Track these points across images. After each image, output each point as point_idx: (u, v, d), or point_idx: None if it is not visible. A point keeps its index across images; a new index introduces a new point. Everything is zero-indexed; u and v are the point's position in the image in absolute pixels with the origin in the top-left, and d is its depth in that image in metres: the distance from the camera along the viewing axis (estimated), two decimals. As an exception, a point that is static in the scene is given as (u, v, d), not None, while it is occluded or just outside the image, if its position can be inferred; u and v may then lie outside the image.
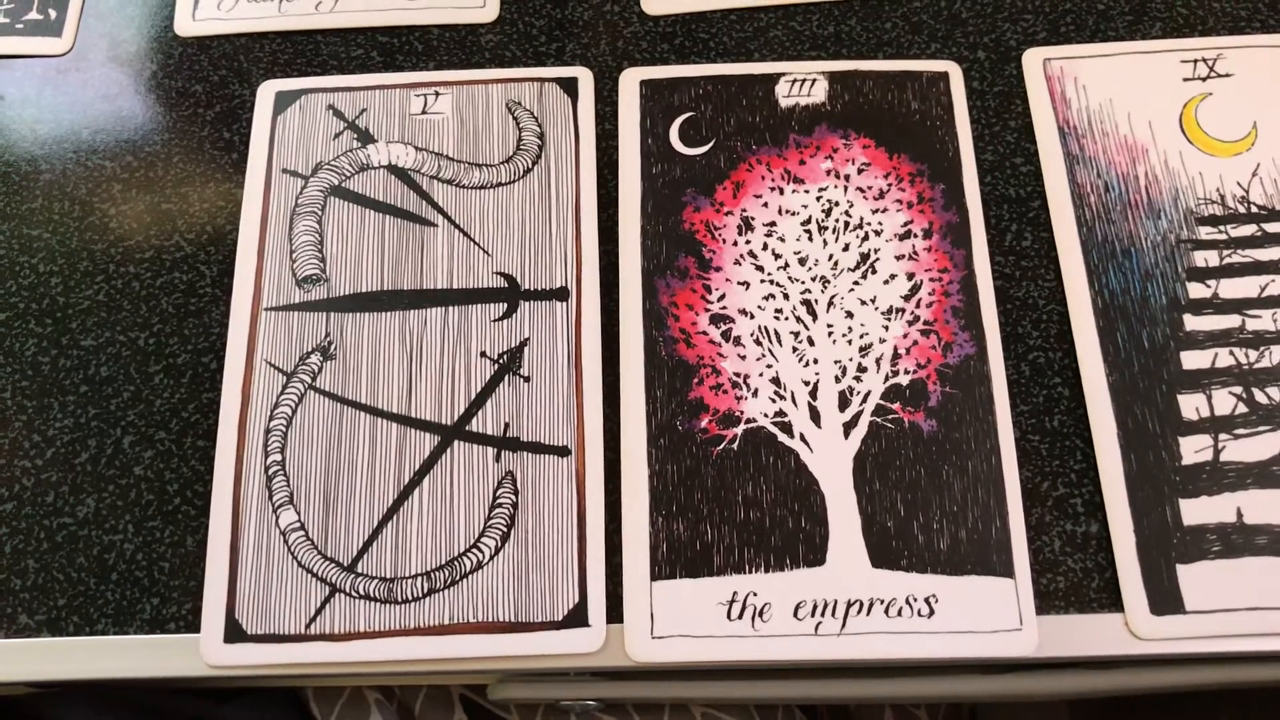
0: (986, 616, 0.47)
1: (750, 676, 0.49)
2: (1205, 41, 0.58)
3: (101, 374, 0.53)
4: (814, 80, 0.58)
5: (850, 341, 0.52)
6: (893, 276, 0.53)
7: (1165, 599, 0.47)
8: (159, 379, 0.53)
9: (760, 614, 0.47)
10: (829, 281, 0.53)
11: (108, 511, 0.50)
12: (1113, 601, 0.47)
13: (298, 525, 0.49)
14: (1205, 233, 0.53)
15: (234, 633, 0.48)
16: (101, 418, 0.52)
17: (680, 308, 0.53)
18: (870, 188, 0.55)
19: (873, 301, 0.53)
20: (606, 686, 0.49)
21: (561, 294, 0.53)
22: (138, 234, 0.56)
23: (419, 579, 0.48)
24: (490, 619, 0.48)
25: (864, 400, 0.51)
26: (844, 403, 0.51)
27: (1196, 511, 0.48)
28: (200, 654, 0.47)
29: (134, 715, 0.50)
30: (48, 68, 0.61)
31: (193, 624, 0.48)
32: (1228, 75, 0.57)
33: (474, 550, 0.49)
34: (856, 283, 0.53)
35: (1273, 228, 0.53)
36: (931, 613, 0.47)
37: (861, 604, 0.47)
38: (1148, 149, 0.55)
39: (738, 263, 0.54)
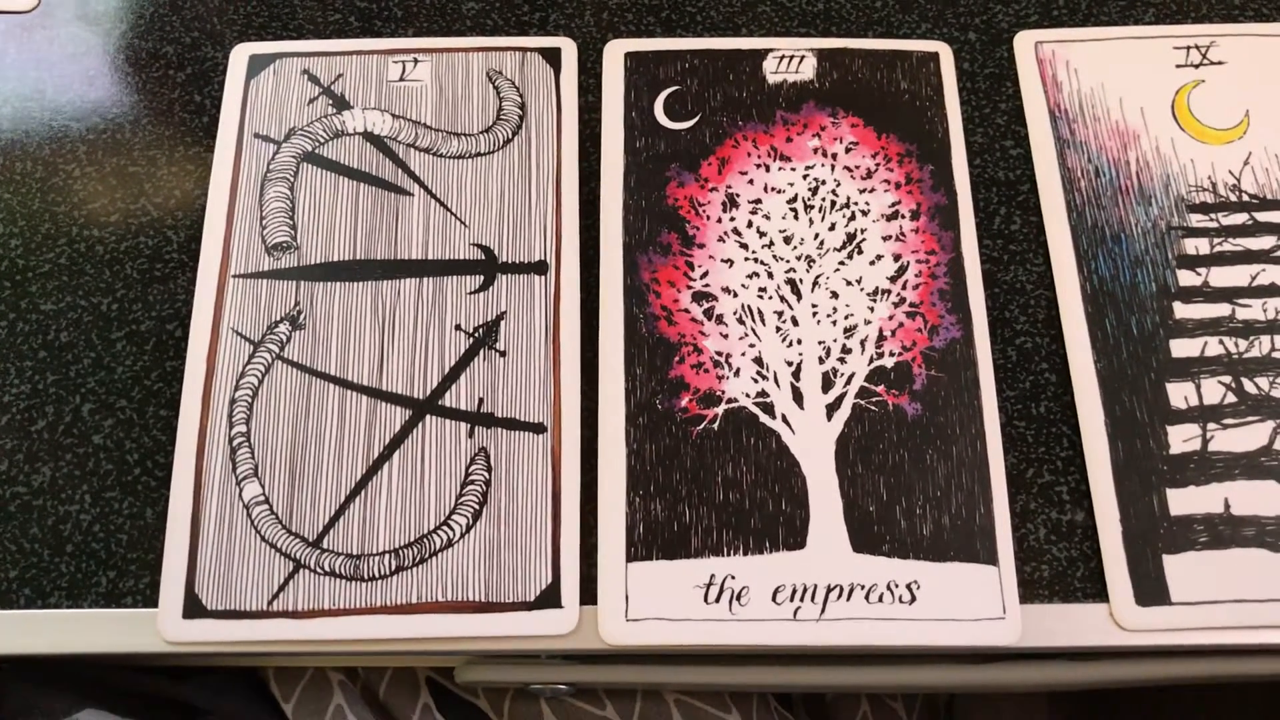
0: (969, 604, 0.46)
1: (726, 662, 0.48)
2: (1199, 28, 0.57)
3: (61, 339, 0.51)
4: (802, 57, 0.56)
5: (835, 322, 0.51)
6: (879, 257, 0.52)
7: (1151, 590, 0.46)
8: (121, 346, 0.51)
9: (738, 597, 0.46)
10: (814, 261, 0.52)
11: (64, 481, 0.48)
12: (1097, 591, 0.47)
13: (262, 499, 0.47)
14: (1196, 220, 0.53)
15: (194, 608, 0.46)
16: (60, 384, 0.50)
17: (662, 284, 0.51)
18: (858, 167, 0.54)
19: (858, 282, 0.51)
20: (578, 670, 0.48)
21: (540, 267, 0.52)
22: (103, 197, 0.54)
23: (387, 556, 0.47)
24: (460, 598, 0.46)
25: (848, 382, 0.50)
26: (827, 384, 0.50)
27: (1184, 502, 0.47)
28: (158, 629, 0.46)
29: (86, 692, 0.48)
30: (12, 24, 0.59)
31: (151, 599, 0.46)
32: (1221, 63, 0.56)
33: (444, 528, 0.47)
34: (842, 263, 0.52)
35: (1264, 216, 0.52)
36: (913, 599, 0.46)
37: (841, 589, 0.46)
38: (1139, 135, 0.55)
39: (721, 240, 0.52)
